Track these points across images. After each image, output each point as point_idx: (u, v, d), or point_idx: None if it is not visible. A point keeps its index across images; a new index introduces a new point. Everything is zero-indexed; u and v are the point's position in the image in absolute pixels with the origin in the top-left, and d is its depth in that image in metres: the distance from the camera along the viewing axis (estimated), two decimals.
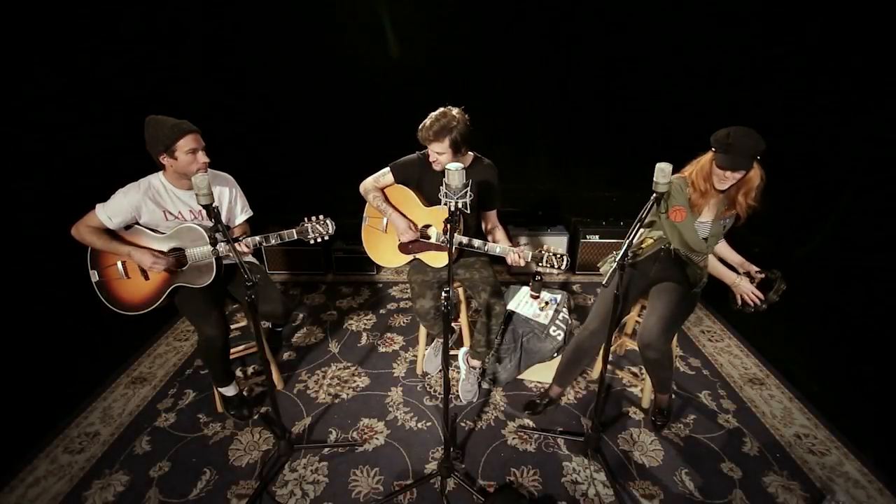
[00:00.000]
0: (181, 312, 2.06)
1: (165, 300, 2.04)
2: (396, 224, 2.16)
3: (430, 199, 2.19)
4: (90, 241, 1.93)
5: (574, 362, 2.15)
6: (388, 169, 2.21)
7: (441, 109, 1.98)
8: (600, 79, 3.41)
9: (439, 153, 1.98)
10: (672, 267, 2.06)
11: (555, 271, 1.86)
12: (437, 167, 2.06)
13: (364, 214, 2.33)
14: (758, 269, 1.94)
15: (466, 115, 1.99)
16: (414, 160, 2.17)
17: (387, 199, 2.23)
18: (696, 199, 1.88)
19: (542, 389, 2.40)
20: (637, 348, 2.46)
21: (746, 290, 1.92)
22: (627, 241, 1.61)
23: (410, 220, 2.18)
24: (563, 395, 2.35)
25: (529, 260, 1.90)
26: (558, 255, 1.86)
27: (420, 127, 1.98)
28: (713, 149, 1.80)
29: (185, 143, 1.83)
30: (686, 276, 2.04)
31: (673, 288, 2.01)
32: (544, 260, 1.86)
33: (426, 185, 2.19)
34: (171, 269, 1.98)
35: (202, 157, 1.88)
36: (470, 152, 2.15)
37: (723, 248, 2.07)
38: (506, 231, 2.24)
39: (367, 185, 2.24)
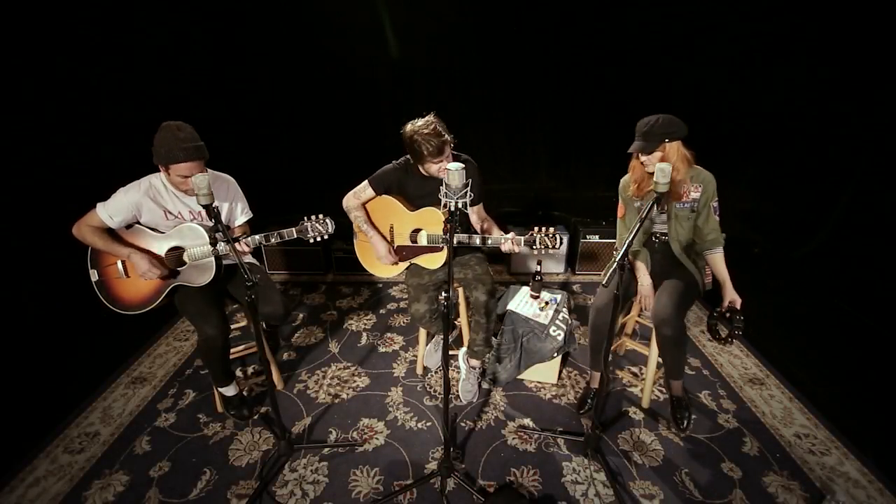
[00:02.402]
0: (181, 312, 2.06)
1: (165, 299, 2.05)
2: (376, 248, 2.17)
3: (415, 203, 2.18)
4: (91, 241, 1.94)
5: (600, 340, 2.14)
6: (366, 183, 2.18)
7: (426, 131, 1.90)
8: (600, 78, 3.42)
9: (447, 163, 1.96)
10: (671, 261, 2.11)
11: (551, 251, 1.84)
12: (443, 174, 2.04)
13: (353, 230, 2.32)
14: (738, 309, 1.96)
15: (437, 117, 1.97)
16: (390, 170, 2.17)
17: (368, 219, 2.22)
18: (640, 188, 2.05)
19: (542, 386, 2.41)
20: (636, 348, 2.48)
21: (647, 295, 2.09)
22: (627, 241, 1.61)
23: (390, 245, 2.19)
24: (607, 378, 2.31)
25: (523, 245, 1.88)
26: (550, 235, 1.82)
27: (422, 152, 1.93)
28: None
29: (179, 169, 1.82)
30: (682, 266, 2.09)
31: (679, 275, 2.08)
32: (537, 242, 1.83)
33: (408, 189, 2.18)
34: (164, 277, 1.98)
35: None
36: None
37: (717, 260, 2.08)
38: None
39: (349, 202, 2.22)
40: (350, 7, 3.16)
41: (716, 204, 2.00)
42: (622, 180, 2.15)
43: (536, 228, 1.84)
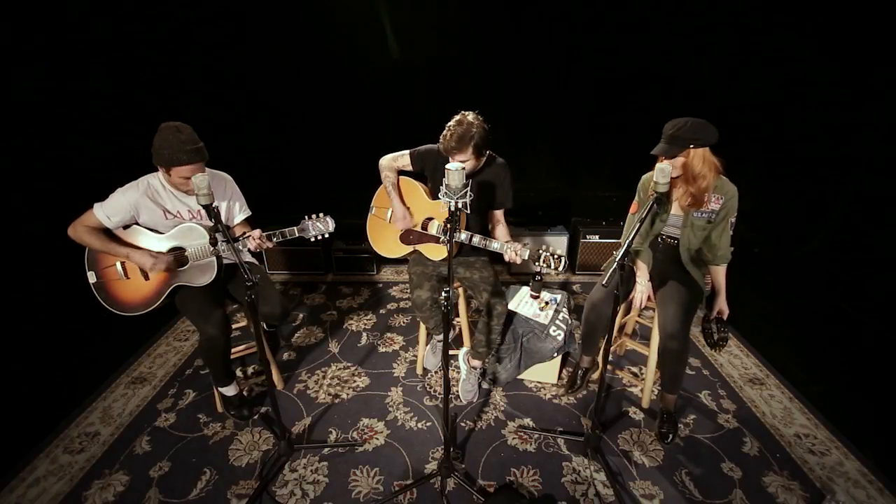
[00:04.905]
0: (182, 312, 2.06)
1: (166, 300, 2.04)
2: (395, 209, 2.19)
3: (437, 193, 2.19)
4: (87, 242, 1.92)
5: (591, 332, 2.20)
6: (406, 153, 2.21)
7: (457, 118, 1.96)
8: (601, 78, 3.41)
9: (464, 161, 1.97)
10: (674, 265, 2.10)
11: (552, 272, 1.86)
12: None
13: (371, 204, 2.34)
14: (724, 319, 2.07)
15: (481, 118, 1.97)
16: (434, 150, 2.16)
17: (397, 183, 2.25)
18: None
19: (542, 386, 2.42)
20: (636, 348, 2.48)
21: (642, 295, 1.99)
22: (627, 242, 1.61)
23: (409, 210, 2.21)
24: (595, 361, 2.37)
25: (527, 258, 1.88)
26: (556, 256, 1.84)
27: (441, 140, 1.98)
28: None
29: (182, 171, 1.82)
30: (686, 272, 2.07)
31: (682, 280, 2.06)
32: (541, 259, 1.85)
33: (440, 176, 2.19)
34: (171, 268, 1.98)
35: None
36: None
37: (719, 271, 2.08)
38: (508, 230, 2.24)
39: (385, 162, 2.25)
40: (351, 6, 3.16)
41: (733, 219, 1.96)
42: (643, 178, 2.09)
43: (544, 246, 1.86)
